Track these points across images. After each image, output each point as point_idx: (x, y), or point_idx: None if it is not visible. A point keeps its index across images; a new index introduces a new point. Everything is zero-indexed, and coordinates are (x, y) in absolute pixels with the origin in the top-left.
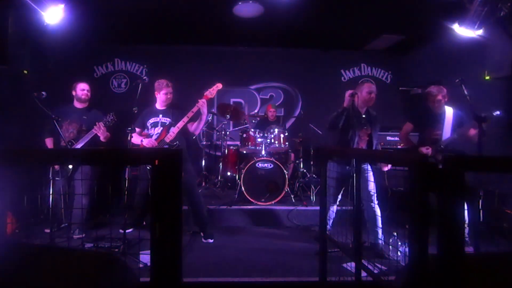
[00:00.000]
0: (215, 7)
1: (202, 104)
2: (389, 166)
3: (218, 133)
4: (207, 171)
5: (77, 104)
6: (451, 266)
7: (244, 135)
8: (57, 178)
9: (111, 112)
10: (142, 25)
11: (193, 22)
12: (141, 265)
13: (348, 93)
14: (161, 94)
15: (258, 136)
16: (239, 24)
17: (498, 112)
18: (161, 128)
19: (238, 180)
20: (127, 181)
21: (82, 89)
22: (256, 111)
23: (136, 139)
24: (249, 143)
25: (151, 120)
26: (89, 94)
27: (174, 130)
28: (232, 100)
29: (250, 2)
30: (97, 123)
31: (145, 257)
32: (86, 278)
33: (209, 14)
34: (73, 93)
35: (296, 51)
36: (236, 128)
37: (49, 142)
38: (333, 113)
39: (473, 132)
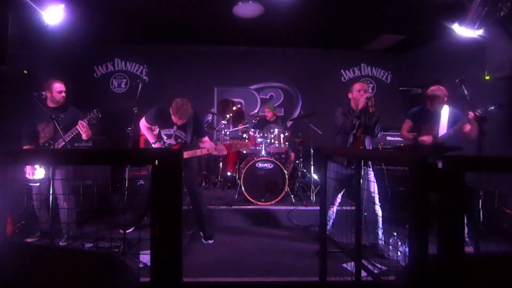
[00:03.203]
0: (215, 7)
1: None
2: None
3: (218, 133)
4: (207, 171)
5: (51, 104)
6: (451, 266)
7: (244, 135)
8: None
9: (95, 109)
10: (142, 25)
11: (193, 22)
12: (141, 265)
13: (364, 96)
14: (173, 116)
15: (258, 136)
16: (239, 24)
17: (492, 107)
18: (175, 142)
19: (238, 180)
20: (127, 181)
21: (59, 91)
22: (256, 111)
23: (147, 133)
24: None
25: (165, 131)
26: (65, 95)
27: (184, 155)
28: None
29: (250, 2)
30: (79, 121)
31: (145, 257)
32: (86, 278)
33: (209, 14)
34: (47, 93)
35: (296, 51)
36: (236, 128)
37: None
38: (338, 114)
39: (468, 127)
